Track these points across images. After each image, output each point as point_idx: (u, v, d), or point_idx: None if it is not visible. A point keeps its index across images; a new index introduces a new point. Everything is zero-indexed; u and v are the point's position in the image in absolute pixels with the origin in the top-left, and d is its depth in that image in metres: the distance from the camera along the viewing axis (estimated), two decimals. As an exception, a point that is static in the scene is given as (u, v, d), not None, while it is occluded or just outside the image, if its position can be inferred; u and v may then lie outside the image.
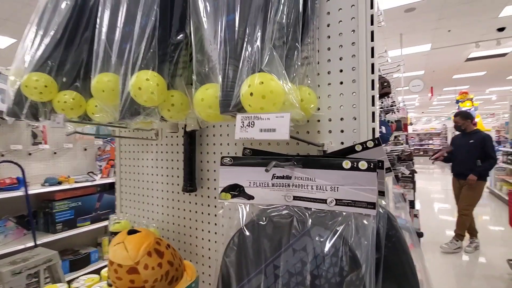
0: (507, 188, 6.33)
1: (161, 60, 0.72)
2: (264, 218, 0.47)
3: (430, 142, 17.84)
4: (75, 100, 0.88)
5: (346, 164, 0.49)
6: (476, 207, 5.01)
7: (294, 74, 0.63)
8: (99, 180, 3.30)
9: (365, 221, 0.46)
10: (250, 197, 0.53)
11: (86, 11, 0.91)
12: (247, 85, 0.53)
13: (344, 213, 0.46)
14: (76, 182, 3.13)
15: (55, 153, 3.26)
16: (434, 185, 9.02)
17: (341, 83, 0.73)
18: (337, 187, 0.47)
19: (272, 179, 0.52)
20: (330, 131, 0.74)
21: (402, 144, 3.93)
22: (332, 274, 0.42)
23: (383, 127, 1.91)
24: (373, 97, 0.68)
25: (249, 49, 0.56)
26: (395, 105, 3.79)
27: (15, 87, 0.88)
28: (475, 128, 4.21)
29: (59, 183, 3.02)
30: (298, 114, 0.54)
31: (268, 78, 0.53)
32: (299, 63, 0.63)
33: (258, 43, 0.55)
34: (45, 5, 0.96)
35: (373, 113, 0.68)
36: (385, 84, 2.87)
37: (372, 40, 0.68)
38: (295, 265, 0.42)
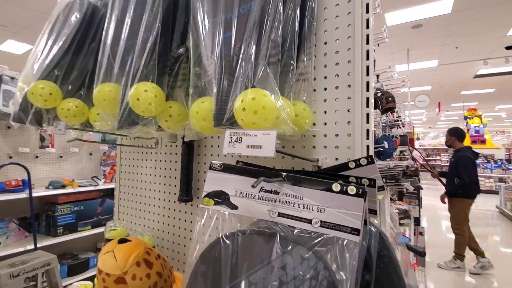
0: (517, 208, 6.16)
1: (160, 72, 0.74)
2: (246, 231, 0.47)
3: (438, 157, 17.60)
4: (78, 108, 0.91)
5: (336, 186, 0.49)
6: (485, 227, 4.88)
7: (289, 90, 0.64)
8: (102, 185, 3.33)
9: (348, 247, 0.45)
10: (234, 207, 0.52)
11: (94, 24, 0.95)
12: (240, 100, 0.54)
13: (328, 236, 0.46)
14: (79, 186, 3.16)
15: (61, 156, 3.31)
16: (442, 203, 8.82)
17: (337, 99, 0.73)
18: (324, 209, 0.47)
19: (259, 192, 0.52)
20: (325, 147, 0.74)
21: (407, 159, 3.88)
22: None
23: (385, 143, 1.90)
24: (367, 114, 0.68)
25: (244, 65, 0.57)
26: (400, 120, 3.77)
27: (22, 94, 0.91)
28: (463, 146, 4.17)
29: (63, 186, 3.05)
30: (290, 130, 0.55)
31: (260, 94, 0.54)
32: (294, 79, 0.64)
33: (253, 59, 0.57)
34: (57, 16, 1.00)
35: (368, 131, 0.68)
36: (390, 99, 2.86)
37: (368, 59, 0.69)
38: (272, 283, 0.42)
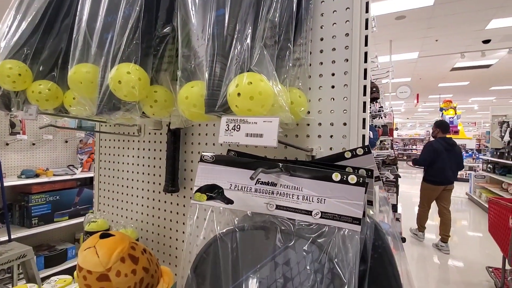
0: (486, 195, 6.55)
1: (144, 53, 0.68)
2: (244, 226, 0.44)
3: (414, 147, 18.32)
4: (51, 91, 0.82)
5: (336, 176, 0.47)
6: (455, 213, 5.33)
7: (285, 76, 0.60)
8: (79, 174, 3.19)
9: (350, 237, 0.43)
10: (229, 201, 0.49)
11: (67, -3, 0.86)
12: (234, 85, 0.50)
13: (329, 227, 0.44)
14: (55, 175, 3.00)
15: (33, 144, 3.12)
16: (416, 189, 9.25)
17: (333, 87, 0.70)
18: (324, 199, 0.45)
19: (255, 184, 0.49)
20: (319, 136, 0.72)
21: (387, 148, 3.99)
22: None
23: (371, 132, 1.92)
24: (364, 103, 0.66)
25: (239, 46, 0.53)
26: (383, 110, 3.84)
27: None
28: (440, 136, 4.47)
29: (37, 175, 2.89)
30: (287, 118, 0.52)
31: (257, 78, 0.50)
32: (290, 64, 0.61)
33: (249, 41, 0.52)
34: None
35: (364, 120, 0.67)
36: (374, 89, 2.90)
37: (366, 44, 0.66)
38: (277, 280, 0.39)
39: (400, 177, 4.73)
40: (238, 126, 0.44)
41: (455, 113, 9.72)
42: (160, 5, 0.71)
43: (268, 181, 0.50)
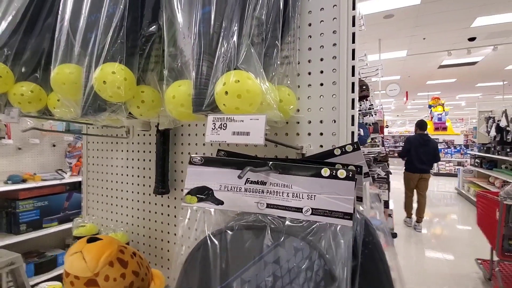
0: (474, 189, 6.70)
1: (130, 52, 0.66)
2: (234, 226, 0.44)
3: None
4: (33, 92, 0.80)
5: (325, 171, 0.47)
6: (444, 207, 6.02)
7: (273, 73, 0.60)
8: (68, 178, 3.12)
9: (342, 232, 0.43)
10: (219, 202, 0.48)
11: (49, -5, 0.83)
12: (222, 83, 0.50)
13: (320, 223, 0.44)
14: (43, 180, 2.93)
15: (19, 148, 3.04)
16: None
17: (322, 84, 0.70)
18: (314, 196, 0.45)
19: (245, 184, 0.48)
20: (309, 134, 0.72)
21: (378, 146, 4.03)
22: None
23: (361, 130, 1.93)
24: (353, 100, 0.66)
25: (225, 44, 0.52)
26: (373, 108, 3.88)
27: (-36, 76, 0.79)
28: (418, 133, 5.39)
29: (24, 181, 2.81)
30: (276, 115, 0.51)
31: (244, 76, 0.50)
32: (278, 62, 0.60)
33: (235, 38, 0.52)
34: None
35: (353, 117, 0.67)
36: (364, 87, 2.92)
37: (354, 42, 0.66)
38: (266, 279, 0.39)
39: (391, 173, 4.81)
40: (225, 125, 0.43)
41: (443, 110, 9.91)
42: (145, 3, 0.69)
43: (258, 180, 0.50)
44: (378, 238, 0.61)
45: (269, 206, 0.48)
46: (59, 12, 0.73)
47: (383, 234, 0.80)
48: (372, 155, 3.38)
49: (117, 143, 1.10)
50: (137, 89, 0.69)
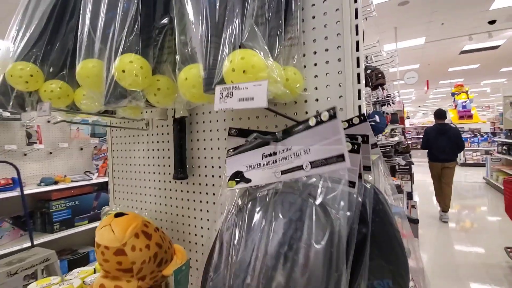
0: (503, 177, 6.36)
1: (145, 44, 0.72)
2: (255, 194, 0.48)
3: (427, 135, 17.88)
4: (62, 89, 0.87)
5: (312, 121, 0.46)
6: (473, 199, 6.01)
7: (278, 53, 0.62)
8: (96, 179, 3.29)
9: (338, 178, 0.46)
10: (248, 180, 0.54)
11: (71, -1, 0.91)
12: (228, 61, 0.53)
13: (319, 177, 0.46)
14: (72, 181, 3.11)
15: (50, 153, 3.24)
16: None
17: (327, 62, 0.72)
18: (309, 149, 0.45)
19: (262, 159, 0.52)
20: (317, 112, 0.74)
21: (397, 135, 3.94)
22: (299, 237, 0.42)
23: (377, 116, 1.91)
24: (358, 74, 0.68)
25: (230, 26, 0.56)
26: (391, 97, 3.80)
27: (1, 77, 0.87)
28: (436, 123, 5.44)
29: (56, 182, 3.00)
30: (279, 88, 0.54)
31: (249, 53, 0.53)
32: (282, 42, 0.63)
33: (239, 19, 0.55)
34: (30, -6, 0.95)
35: (359, 91, 0.68)
36: (379, 75, 2.87)
37: (356, 17, 0.68)
38: (287, 231, 0.43)
39: (413, 164, 4.68)
40: (231, 93, 0.47)
41: (468, 97, 9.46)
42: (157, -3, 0.74)
43: (270, 152, 0.53)
44: (388, 206, 0.62)
45: (282, 172, 0.51)
46: (81, 13, 0.80)
47: (403, 220, 0.81)
48: (391, 144, 3.30)
49: (138, 135, 1.17)
50: (153, 78, 0.74)
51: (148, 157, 1.14)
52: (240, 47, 0.53)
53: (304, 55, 0.75)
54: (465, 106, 9.74)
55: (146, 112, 1.13)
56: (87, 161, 3.59)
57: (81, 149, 3.54)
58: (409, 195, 4.16)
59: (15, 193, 2.65)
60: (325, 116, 0.44)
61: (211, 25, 0.58)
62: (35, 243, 2.76)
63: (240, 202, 0.51)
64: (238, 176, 0.55)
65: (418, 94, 15.20)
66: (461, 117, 10.07)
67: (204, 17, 0.60)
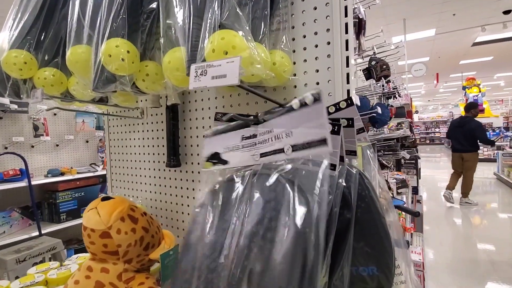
0: (515, 173, 6.22)
1: (133, 29, 0.71)
2: (232, 176, 0.48)
3: (437, 130, 17.55)
4: (55, 76, 0.88)
5: (296, 104, 0.45)
6: (483, 195, 6.28)
7: (263, 36, 0.61)
8: (101, 171, 3.35)
9: (319, 161, 0.45)
10: (225, 162, 0.53)
11: (63, -13, 0.91)
12: (209, 42, 0.52)
13: (299, 160, 0.45)
14: (78, 173, 3.18)
15: (57, 145, 3.31)
16: (441, 174, 8.89)
17: (316, 46, 0.71)
18: (291, 132, 0.44)
19: (241, 141, 0.51)
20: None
21: (403, 129, 3.87)
22: (273, 217, 0.42)
23: (379, 107, 1.87)
24: (347, 58, 0.66)
25: (212, 5, 0.55)
26: (397, 90, 3.72)
27: (-3, 66, 0.89)
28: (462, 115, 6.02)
29: (62, 174, 3.07)
30: (260, 70, 0.53)
31: (230, 34, 0.52)
32: (268, 24, 0.62)
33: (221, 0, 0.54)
34: (25, -16, 0.95)
35: (348, 74, 0.67)
36: (384, 66, 2.81)
37: (345, -1, 0.66)
38: (263, 212, 0.42)
39: (419, 158, 4.60)
40: (205, 71, 0.46)
41: (479, 91, 9.21)
42: (144, -19, 0.74)
43: (250, 135, 0.52)
44: (374, 191, 0.61)
45: (262, 155, 0.50)
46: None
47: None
48: (395, 137, 3.24)
49: (133, 124, 1.18)
50: (142, 64, 0.74)
51: (143, 146, 1.14)
52: (220, 27, 0.52)
53: (293, 39, 0.74)
54: (477, 100, 9.48)
55: (141, 101, 1.13)
56: (93, 153, 3.65)
57: (87, 141, 3.60)
58: (415, 190, 4.11)
59: (23, 183, 2.72)
60: (309, 99, 0.43)
61: (193, 6, 0.57)
62: (42, 232, 2.84)
63: (216, 184, 0.50)
64: (215, 158, 0.54)
65: (428, 88, 14.88)
66: (465, 110, 9.82)
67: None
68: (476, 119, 5.56)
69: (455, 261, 3.47)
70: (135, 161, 1.18)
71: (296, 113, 0.44)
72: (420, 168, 4.89)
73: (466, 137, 5.45)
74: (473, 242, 4.01)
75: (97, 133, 3.61)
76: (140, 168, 1.16)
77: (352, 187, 0.58)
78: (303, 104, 0.43)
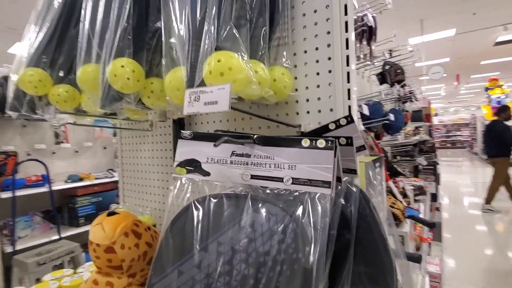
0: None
1: (138, 48, 0.74)
2: (218, 195, 0.47)
3: (458, 133, 16.85)
4: (68, 93, 0.92)
5: (305, 142, 0.48)
6: (506, 201, 5.83)
7: (262, 53, 0.62)
8: (117, 177, 3.45)
9: (320, 200, 0.44)
10: (206, 174, 0.51)
11: (76, 7, 0.95)
12: (206, 64, 0.53)
13: (300, 192, 0.45)
14: (96, 178, 3.29)
15: (76, 151, 3.44)
16: (463, 179, 8.52)
17: (317, 61, 0.70)
18: (295, 165, 0.46)
19: (231, 156, 0.51)
20: (308, 112, 0.72)
21: (421, 134, 3.75)
22: (277, 252, 0.41)
23: (391, 115, 1.83)
24: (348, 73, 0.66)
25: (210, 27, 0.56)
26: (413, 94, 3.61)
27: (14, 82, 0.94)
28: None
29: (81, 179, 3.19)
30: (256, 90, 0.54)
31: (227, 55, 0.53)
32: (267, 42, 0.62)
33: (217, 21, 0.55)
34: (42, 4, 1.01)
35: (349, 90, 0.66)
36: (398, 71, 2.74)
37: (346, 14, 0.66)
38: (241, 241, 0.42)
39: (438, 164, 4.43)
40: (198, 97, 0.47)
41: (502, 92, 8.79)
42: (149, 2, 0.76)
43: (243, 153, 0.52)
44: (376, 211, 0.60)
45: (253, 177, 0.51)
46: (81, 19, 0.84)
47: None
48: (411, 143, 3.15)
49: (144, 136, 1.21)
50: (147, 81, 0.76)
51: (153, 157, 1.17)
52: (216, 49, 0.53)
53: (294, 54, 0.74)
54: (500, 101, 9.05)
55: (151, 113, 1.16)
56: (110, 159, 3.76)
57: (105, 148, 3.72)
58: (433, 197, 3.95)
59: (45, 189, 2.85)
60: (321, 143, 0.46)
61: (192, 27, 0.58)
62: (62, 236, 2.96)
63: (197, 197, 0.49)
64: (192, 166, 0.53)
65: (448, 90, 14.36)
66: (495, 114, 9.38)
67: (186, 20, 0.60)
68: (506, 122, 5.38)
69: (478, 272, 3.30)
70: (145, 171, 1.21)
71: (304, 151, 0.46)
72: (439, 174, 4.71)
73: (494, 141, 5.35)
74: (497, 251, 3.81)
75: (114, 140, 3.73)
76: (149, 179, 1.19)
77: (352, 207, 0.57)
78: (314, 146, 0.46)
